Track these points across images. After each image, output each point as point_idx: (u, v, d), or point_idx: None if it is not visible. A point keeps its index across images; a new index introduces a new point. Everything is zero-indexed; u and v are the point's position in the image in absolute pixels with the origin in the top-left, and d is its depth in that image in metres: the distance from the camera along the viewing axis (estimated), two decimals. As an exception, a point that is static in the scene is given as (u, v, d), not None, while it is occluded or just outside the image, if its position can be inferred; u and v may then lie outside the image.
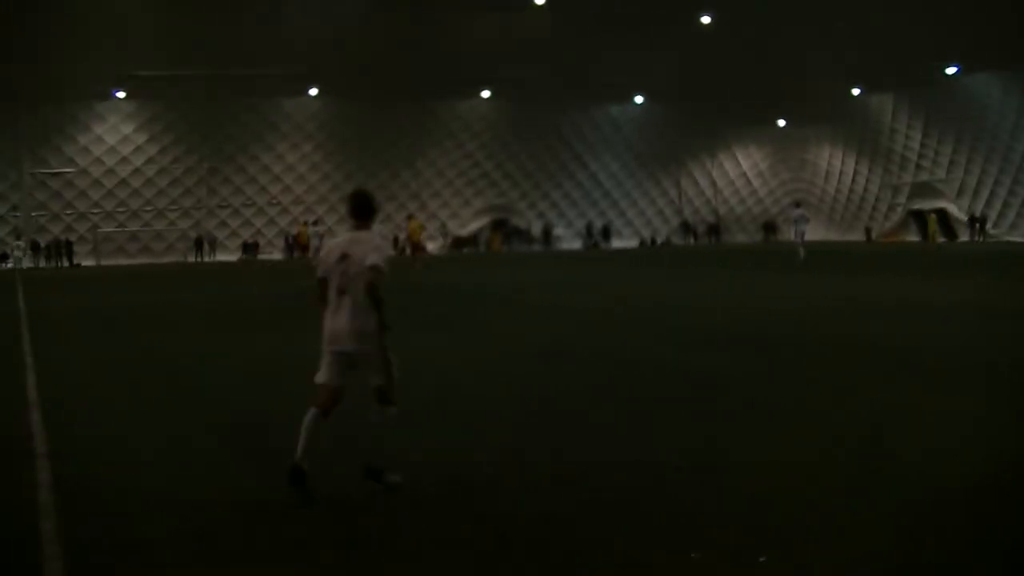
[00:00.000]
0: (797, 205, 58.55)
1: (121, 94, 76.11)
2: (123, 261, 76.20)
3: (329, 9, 69.72)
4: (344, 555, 7.48)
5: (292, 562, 7.33)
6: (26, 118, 73.46)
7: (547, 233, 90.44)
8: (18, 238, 73.65)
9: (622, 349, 18.80)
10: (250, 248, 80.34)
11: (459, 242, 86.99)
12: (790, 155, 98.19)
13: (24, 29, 64.58)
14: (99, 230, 77.69)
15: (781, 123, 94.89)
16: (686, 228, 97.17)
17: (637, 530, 7.74)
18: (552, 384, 14.74)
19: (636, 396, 13.35)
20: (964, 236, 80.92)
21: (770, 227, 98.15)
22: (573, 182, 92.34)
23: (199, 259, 78.06)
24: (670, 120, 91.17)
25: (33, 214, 76.18)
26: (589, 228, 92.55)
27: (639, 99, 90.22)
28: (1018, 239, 76.19)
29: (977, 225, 79.71)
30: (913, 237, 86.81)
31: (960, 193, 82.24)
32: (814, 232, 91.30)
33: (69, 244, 76.50)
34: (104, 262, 75.51)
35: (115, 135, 77.75)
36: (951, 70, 75.89)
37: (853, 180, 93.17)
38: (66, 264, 75.21)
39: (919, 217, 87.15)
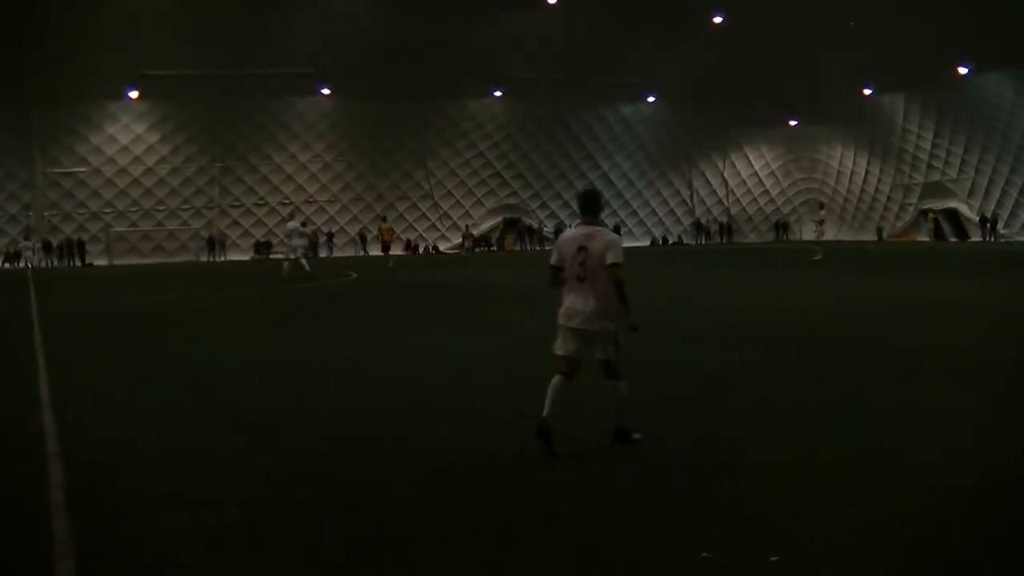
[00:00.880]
0: (821, 206, 58.62)
1: (134, 94, 76.28)
2: (136, 260, 76.34)
3: (341, 9, 69.94)
4: (357, 555, 7.47)
5: (304, 562, 7.31)
6: (38, 117, 73.69)
7: (559, 232, 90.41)
8: (26, 238, 73.77)
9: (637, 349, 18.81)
10: (262, 247, 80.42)
11: (474, 241, 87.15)
12: (802, 155, 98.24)
13: (37, 29, 64.74)
14: (111, 230, 77.81)
15: (793, 123, 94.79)
16: (698, 228, 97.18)
17: (647, 529, 7.74)
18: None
19: (647, 395, 13.35)
20: (976, 236, 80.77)
21: (782, 227, 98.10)
22: (585, 182, 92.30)
23: (212, 259, 78.18)
24: (682, 119, 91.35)
25: (45, 214, 76.31)
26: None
27: (651, 99, 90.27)
28: (1029, 239, 76.08)
29: (988, 225, 79.56)
30: (924, 237, 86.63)
31: (971, 193, 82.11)
32: (827, 232, 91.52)
33: (81, 243, 76.64)
34: (117, 261, 75.63)
35: (127, 135, 77.99)
36: (963, 70, 75.72)
37: (865, 180, 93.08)
38: (78, 263, 75.33)
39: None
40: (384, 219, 65.49)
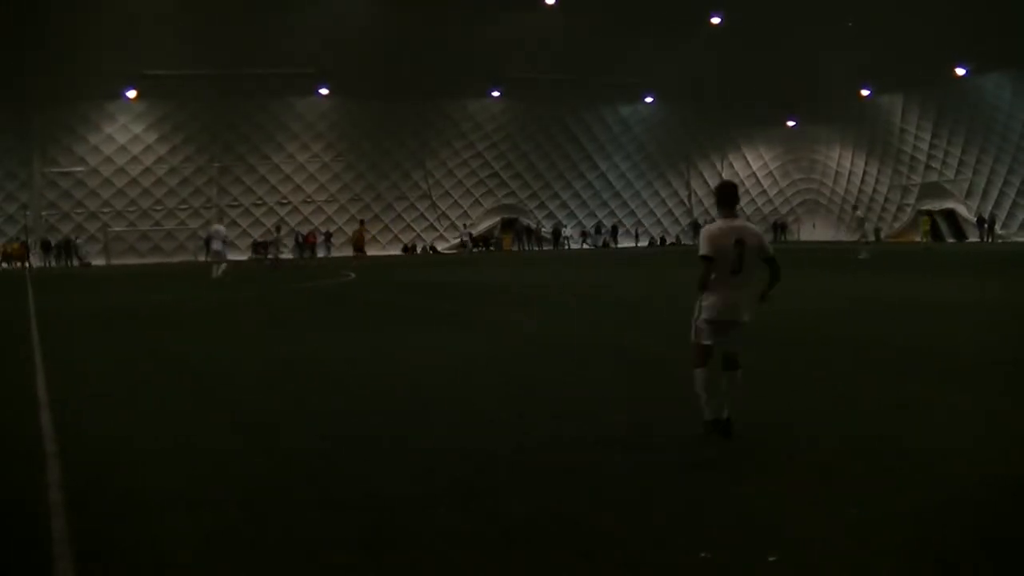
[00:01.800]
0: (855, 208, 58.71)
1: (132, 93, 76.11)
2: (134, 260, 76.30)
3: (340, 9, 69.93)
4: (356, 555, 7.45)
5: (303, 562, 7.30)
6: (37, 117, 73.56)
7: (557, 233, 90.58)
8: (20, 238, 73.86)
9: (636, 348, 18.82)
10: (261, 247, 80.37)
11: (472, 242, 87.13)
12: (800, 156, 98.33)
13: (36, 28, 64.74)
14: (109, 229, 77.76)
15: (791, 123, 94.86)
16: (696, 228, 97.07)
17: (646, 529, 7.73)
18: (565, 383, 14.74)
19: (644, 396, 13.33)
20: (973, 237, 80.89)
21: (780, 227, 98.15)
22: (583, 182, 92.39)
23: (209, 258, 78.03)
24: (680, 120, 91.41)
25: (43, 213, 76.26)
26: (598, 227, 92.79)
27: (649, 99, 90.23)
28: (1025, 240, 76.22)
29: (986, 226, 79.67)
30: (919, 238, 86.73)
31: (969, 194, 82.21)
32: (823, 233, 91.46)
33: (69, 243, 76.53)
34: (115, 261, 75.61)
35: (125, 134, 77.89)
36: (961, 71, 75.79)
37: (863, 181, 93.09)
38: (75, 263, 75.30)
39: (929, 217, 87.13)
40: (362, 222, 64.85)
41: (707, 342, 10.64)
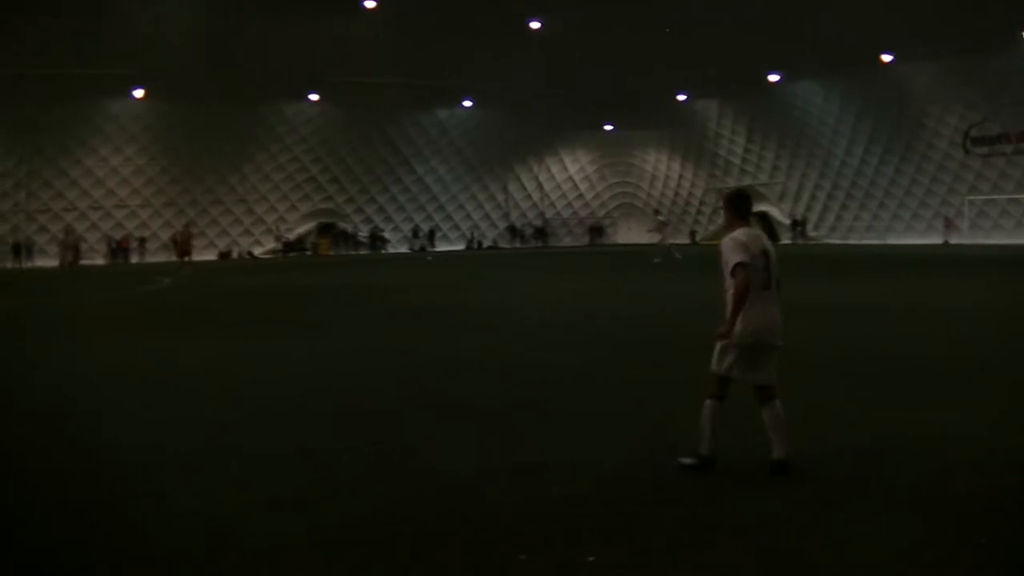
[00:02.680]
0: (657, 212, 59.18)
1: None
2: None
3: (156, 9, 68.33)
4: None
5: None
6: None
7: (374, 237, 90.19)
8: None
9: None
10: (71, 252, 78.29)
11: (288, 246, 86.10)
12: (617, 159, 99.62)
13: None
14: None
15: (608, 128, 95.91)
16: (513, 231, 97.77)
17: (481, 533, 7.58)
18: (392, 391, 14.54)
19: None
20: (786, 239, 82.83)
21: (596, 230, 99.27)
22: (400, 186, 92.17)
23: (17, 265, 75.51)
24: (498, 124, 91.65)
25: None
26: (416, 231, 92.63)
27: (468, 103, 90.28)
28: (837, 241, 78.32)
29: (798, 228, 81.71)
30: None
31: (782, 197, 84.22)
32: (639, 235, 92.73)
33: None
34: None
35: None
36: (774, 77, 77.52)
37: (679, 184, 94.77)
38: None
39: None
40: (187, 224, 64.37)
41: (721, 371, 9.38)
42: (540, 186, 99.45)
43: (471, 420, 11.98)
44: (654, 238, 63.68)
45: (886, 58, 70.96)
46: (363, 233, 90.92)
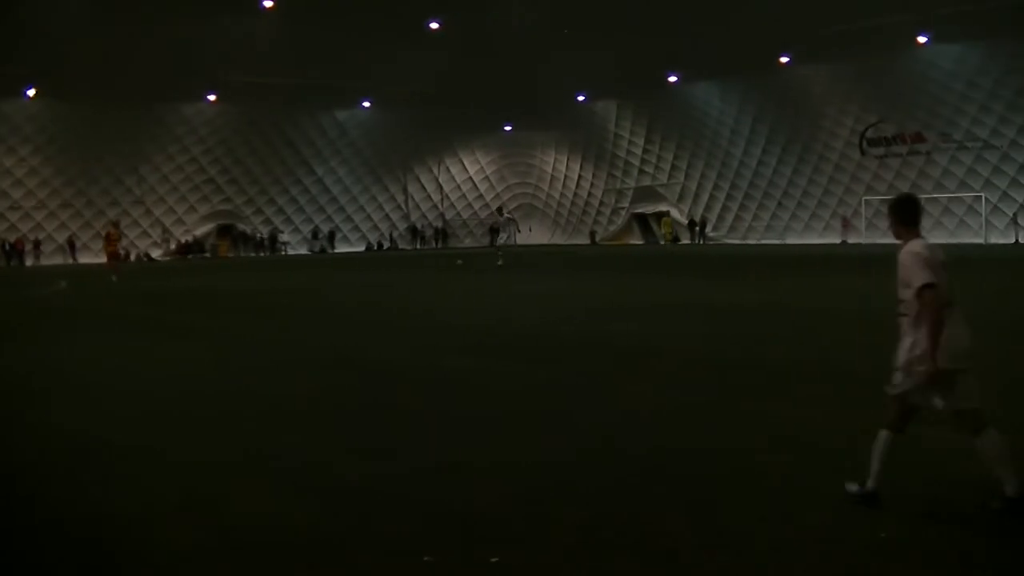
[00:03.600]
0: (500, 212, 58.89)
1: None
2: None
3: (52, 6, 67.18)
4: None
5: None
6: None
7: (273, 239, 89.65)
8: None
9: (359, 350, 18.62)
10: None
11: (185, 248, 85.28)
12: (517, 160, 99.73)
13: None
14: None
15: (508, 128, 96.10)
16: (414, 233, 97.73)
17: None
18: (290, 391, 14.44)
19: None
20: (685, 239, 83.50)
21: (496, 231, 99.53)
22: (300, 187, 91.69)
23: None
24: (397, 124, 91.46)
25: None
26: (315, 233, 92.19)
27: (366, 103, 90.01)
28: (736, 241, 79.09)
29: (697, 228, 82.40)
30: (637, 240, 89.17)
31: (681, 197, 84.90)
32: (540, 236, 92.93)
33: None
34: None
35: None
36: (672, 78, 78.11)
37: (578, 184, 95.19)
38: None
39: (642, 220, 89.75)
40: (116, 223, 60.95)
41: (913, 399, 8.17)
42: (440, 187, 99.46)
43: (377, 422, 11.94)
44: (501, 238, 63.52)
45: (783, 60, 71.87)
46: (262, 234, 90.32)
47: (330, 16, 71.38)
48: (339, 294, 35.66)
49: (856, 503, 8.07)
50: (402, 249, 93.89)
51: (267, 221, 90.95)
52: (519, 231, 62.84)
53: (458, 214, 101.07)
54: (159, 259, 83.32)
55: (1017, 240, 65.04)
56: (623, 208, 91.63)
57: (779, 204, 79.59)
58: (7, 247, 78.26)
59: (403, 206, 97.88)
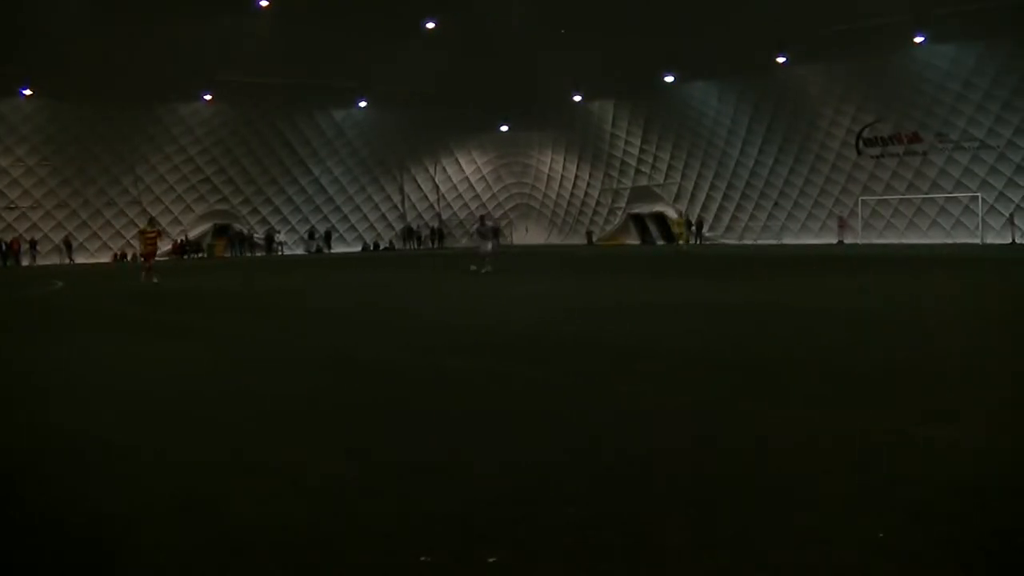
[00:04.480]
0: (482, 220, 58.70)
1: None
2: None
3: (47, 7, 67.14)
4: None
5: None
6: None
7: (270, 239, 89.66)
8: None
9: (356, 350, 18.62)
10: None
11: (182, 248, 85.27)
12: (513, 160, 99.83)
13: None
14: None
15: (504, 128, 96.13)
16: (409, 233, 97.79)
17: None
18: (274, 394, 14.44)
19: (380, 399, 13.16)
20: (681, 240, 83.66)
21: (484, 235, 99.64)
22: (296, 187, 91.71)
23: None
24: (394, 124, 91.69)
25: None
26: (312, 233, 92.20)
27: (363, 103, 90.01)
28: (732, 241, 79.11)
29: (694, 228, 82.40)
30: (633, 240, 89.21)
31: (678, 198, 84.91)
32: (536, 236, 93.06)
33: None
34: None
35: None
36: (669, 78, 78.12)
37: (575, 185, 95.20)
38: None
39: (639, 221, 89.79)
40: (152, 221, 57.20)
41: None
42: (436, 187, 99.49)
43: (377, 422, 11.94)
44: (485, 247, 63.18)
45: (780, 59, 71.91)
46: (259, 235, 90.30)
47: (326, 16, 71.46)
48: (338, 294, 35.72)
49: None
50: (399, 249, 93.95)
51: (263, 221, 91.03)
52: (504, 237, 62.03)
53: (454, 214, 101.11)
54: (159, 258, 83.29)
55: (1014, 240, 65.07)
56: (620, 208, 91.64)
57: (776, 204, 79.66)
58: (3, 247, 78.24)
59: (399, 206, 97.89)
